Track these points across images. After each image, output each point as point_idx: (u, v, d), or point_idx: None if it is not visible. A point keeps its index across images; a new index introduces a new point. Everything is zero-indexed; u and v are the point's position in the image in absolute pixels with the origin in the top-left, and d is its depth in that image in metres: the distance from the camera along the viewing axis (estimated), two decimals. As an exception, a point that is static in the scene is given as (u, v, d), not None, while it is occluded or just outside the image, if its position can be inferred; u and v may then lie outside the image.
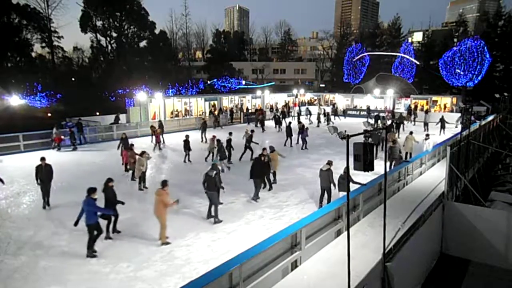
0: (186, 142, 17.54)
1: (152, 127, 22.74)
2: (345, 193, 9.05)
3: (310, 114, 33.99)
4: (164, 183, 8.97)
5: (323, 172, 10.80)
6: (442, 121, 25.96)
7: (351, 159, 6.17)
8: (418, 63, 47.93)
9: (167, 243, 8.80)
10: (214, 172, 10.13)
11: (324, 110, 34.51)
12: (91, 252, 8.28)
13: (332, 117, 33.26)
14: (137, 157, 13.45)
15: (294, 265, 6.81)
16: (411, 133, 17.49)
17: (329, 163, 10.90)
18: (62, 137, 21.11)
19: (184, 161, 17.76)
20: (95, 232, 8.31)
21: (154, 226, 9.73)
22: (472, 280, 9.43)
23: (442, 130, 25.62)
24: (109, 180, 9.22)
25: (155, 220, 8.96)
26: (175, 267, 7.77)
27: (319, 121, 31.50)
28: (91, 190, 8.27)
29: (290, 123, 23.59)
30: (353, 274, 5.80)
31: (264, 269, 6.14)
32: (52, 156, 19.47)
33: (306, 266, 6.70)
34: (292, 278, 6.32)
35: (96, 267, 7.82)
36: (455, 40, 57.27)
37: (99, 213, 8.44)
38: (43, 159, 11.77)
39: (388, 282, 7.05)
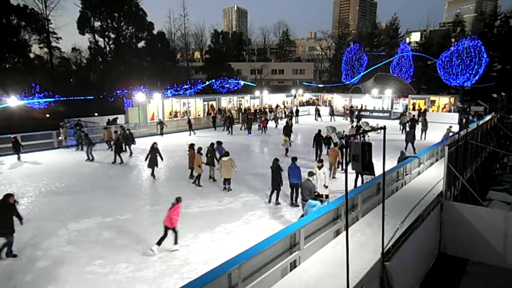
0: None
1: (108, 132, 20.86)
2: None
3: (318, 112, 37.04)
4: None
5: None
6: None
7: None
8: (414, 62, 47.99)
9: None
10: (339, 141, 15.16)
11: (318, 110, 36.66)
12: (296, 203, 11.14)
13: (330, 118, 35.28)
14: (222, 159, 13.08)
15: (293, 265, 6.81)
16: (450, 126, 20.79)
17: None
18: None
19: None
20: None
21: (153, 226, 9.73)
22: (470, 279, 9.46)
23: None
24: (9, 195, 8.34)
25: (154, 220, 9.16)
26: (174, 267, 7.77)
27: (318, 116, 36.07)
28: (295, 158, 11.38)
29: (287, 122, 23.72)
30: (352, 274, 5.80)
31: (263, 269, 6.14)
32: (52, 157, 19.49)
33: (305, 266, 6.70)
34: (291, 278, 6.32)
35: (95, 268, 7.82)
36: (453, 40, 57.48)
37: None
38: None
39: (387, 281, 7.07)
